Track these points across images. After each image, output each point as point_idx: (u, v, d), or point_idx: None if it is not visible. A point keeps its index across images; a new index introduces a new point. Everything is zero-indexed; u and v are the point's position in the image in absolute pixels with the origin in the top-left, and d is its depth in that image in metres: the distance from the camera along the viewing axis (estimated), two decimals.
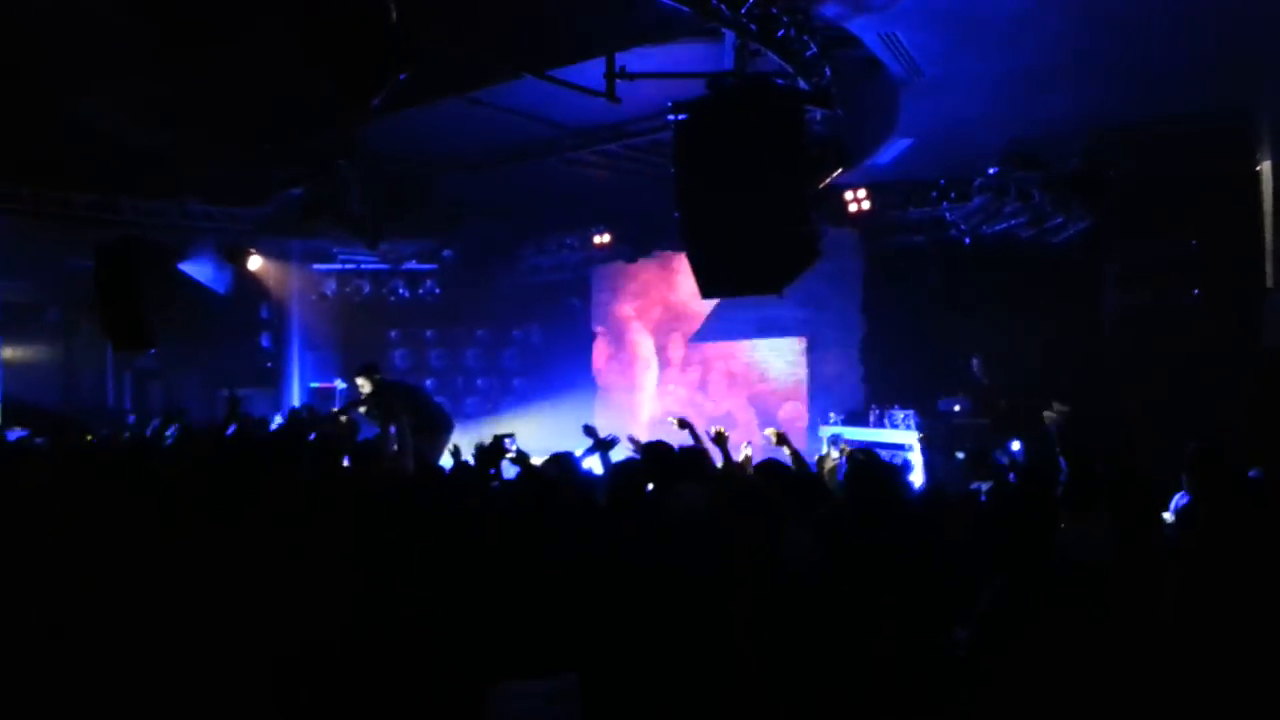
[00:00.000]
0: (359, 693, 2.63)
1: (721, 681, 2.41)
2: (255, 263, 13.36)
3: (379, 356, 15.27)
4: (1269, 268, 9.30)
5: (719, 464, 5.51)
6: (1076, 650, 2.52)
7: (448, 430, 9.51)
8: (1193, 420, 7.92)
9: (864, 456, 4.14)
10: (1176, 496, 4.62)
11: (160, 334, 11.52)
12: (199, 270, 12.50)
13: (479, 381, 15.43)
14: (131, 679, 2.90)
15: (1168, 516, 4.58)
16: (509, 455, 5.74)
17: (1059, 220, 9.64)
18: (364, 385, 9.85)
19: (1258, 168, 9.31)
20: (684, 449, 5.33)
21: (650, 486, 4.59)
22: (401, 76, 4.56)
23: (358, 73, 4.55)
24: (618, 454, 5.78)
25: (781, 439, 5.68)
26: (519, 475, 5.33)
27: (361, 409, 9.79)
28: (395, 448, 6.26)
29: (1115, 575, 2.92)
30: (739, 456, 5.72)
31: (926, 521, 3.79)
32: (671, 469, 4.83)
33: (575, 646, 2.56)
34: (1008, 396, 9.84)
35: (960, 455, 8.66)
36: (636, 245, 13.44)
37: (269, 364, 15.06)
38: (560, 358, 15.15)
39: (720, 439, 5.71)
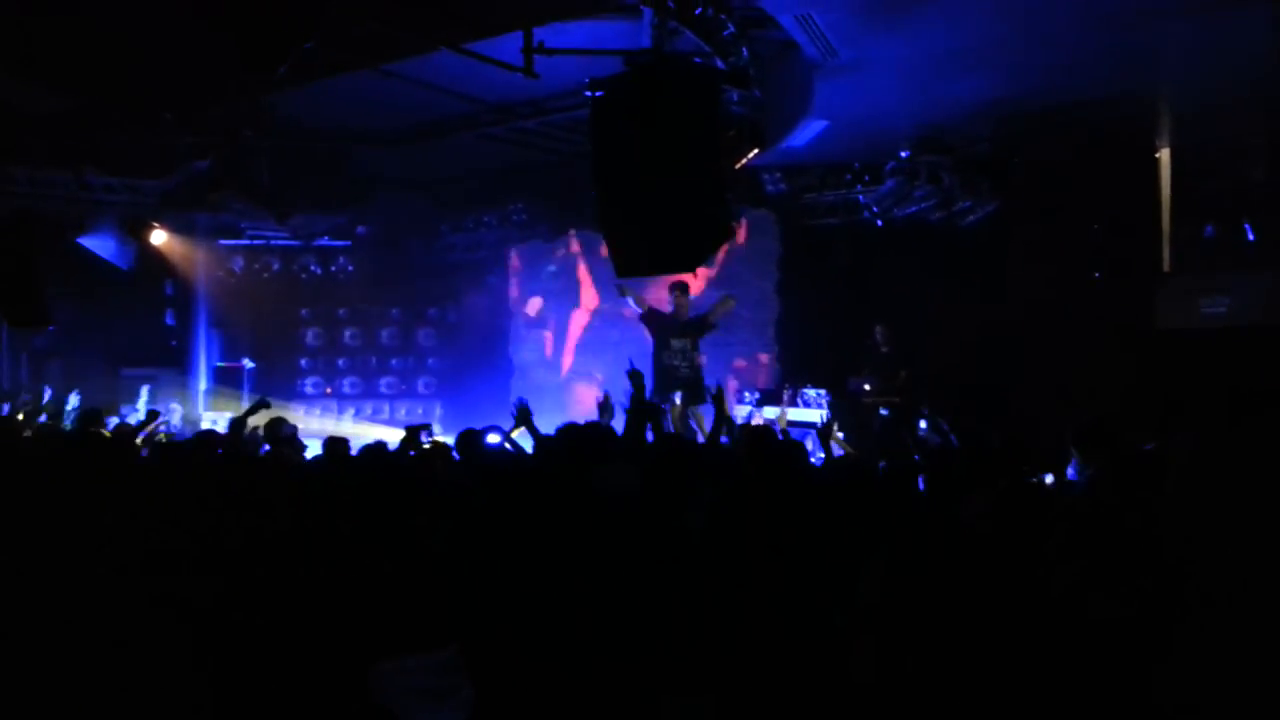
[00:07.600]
0: (241, 679, 2.57)
1: (606, 652, 2.42)
2: (159, 237, 12.90)
3: (290, 335, 14.95)
4: (1166, 252, 9.66)
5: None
6: (950, 625, 2.57)
7: None
8: (1091, 398, 8.20)
9: (759, 430, 4.18)
10: (1069, 468, 4.78)
11: (58, 311, 11.12)
12: (100, 245, 12.03)
13: (393, 361, 15.19)
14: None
15: (1048, 480, 4.78)
16: (425, 446, 5.69)
17: (967, 204, 9.85)
18: None
19: (1157, 154, 9.64)
20: (590, 425, 5.30)
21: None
22: (307, 45, 4.44)
23: (262, 40, 4.41)
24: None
25: (718, 397, 5.76)
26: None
27: None
28: None
29: (995, 545, 2.99)
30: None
31: (823, 497, 3.83)
32: (586, 452, 4.80)
33: (453, 622, 2.55)
34: (908, 367, 10.11)
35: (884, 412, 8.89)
36: (554, 224, 13.35)
37: (174, 342, 14.60)
38: (477, 336, 14.99)
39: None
